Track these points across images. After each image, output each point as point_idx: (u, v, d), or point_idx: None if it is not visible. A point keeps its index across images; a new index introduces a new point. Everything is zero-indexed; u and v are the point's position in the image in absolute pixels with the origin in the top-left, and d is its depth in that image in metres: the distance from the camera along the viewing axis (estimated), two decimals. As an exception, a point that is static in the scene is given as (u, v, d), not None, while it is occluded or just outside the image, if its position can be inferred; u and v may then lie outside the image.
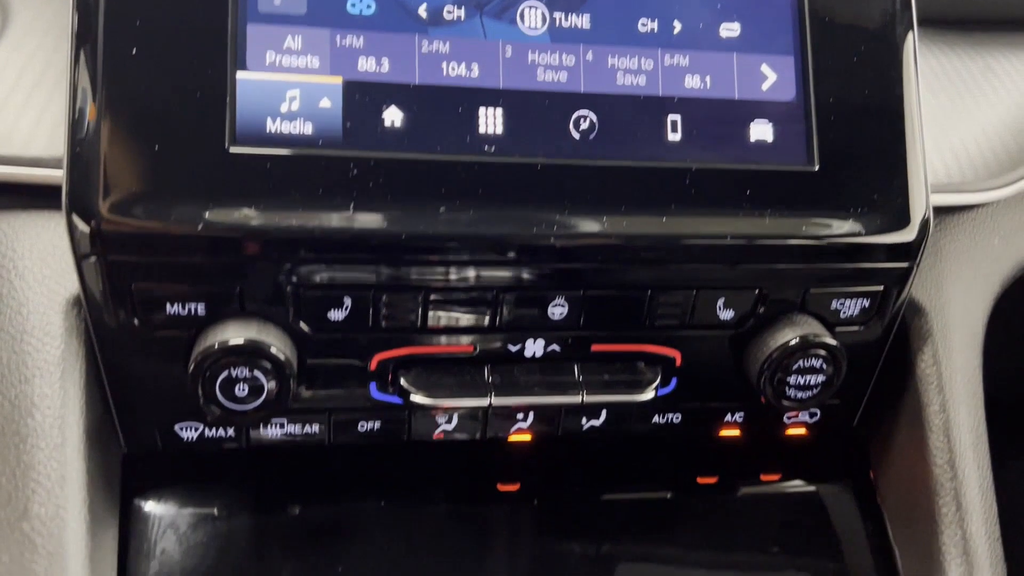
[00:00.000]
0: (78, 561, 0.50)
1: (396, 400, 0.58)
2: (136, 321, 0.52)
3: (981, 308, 0.66)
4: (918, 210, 0.57)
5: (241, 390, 0.52)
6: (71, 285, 0.54)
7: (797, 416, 0.65)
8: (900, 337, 0.64)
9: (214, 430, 0.58)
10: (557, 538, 0.62)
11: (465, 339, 0.57)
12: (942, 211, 0.66)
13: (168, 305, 0.52)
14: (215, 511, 0.59)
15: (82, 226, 0.49)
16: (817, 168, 0.56)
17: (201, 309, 0.52)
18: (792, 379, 0.58)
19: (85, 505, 0.52)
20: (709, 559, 0.63)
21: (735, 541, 0.64)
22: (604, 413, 0.62)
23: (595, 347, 0.59)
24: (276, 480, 0.61)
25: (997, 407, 0.68)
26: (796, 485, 0.67)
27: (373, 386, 0.57)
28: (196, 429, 0.57)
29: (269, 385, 0.52)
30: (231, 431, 0.58)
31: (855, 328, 0.60)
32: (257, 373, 0.52)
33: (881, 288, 0.59)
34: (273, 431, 0.58)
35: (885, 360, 0.64)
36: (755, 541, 0.64)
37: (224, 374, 0.51)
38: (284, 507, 0.61)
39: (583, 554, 0.62)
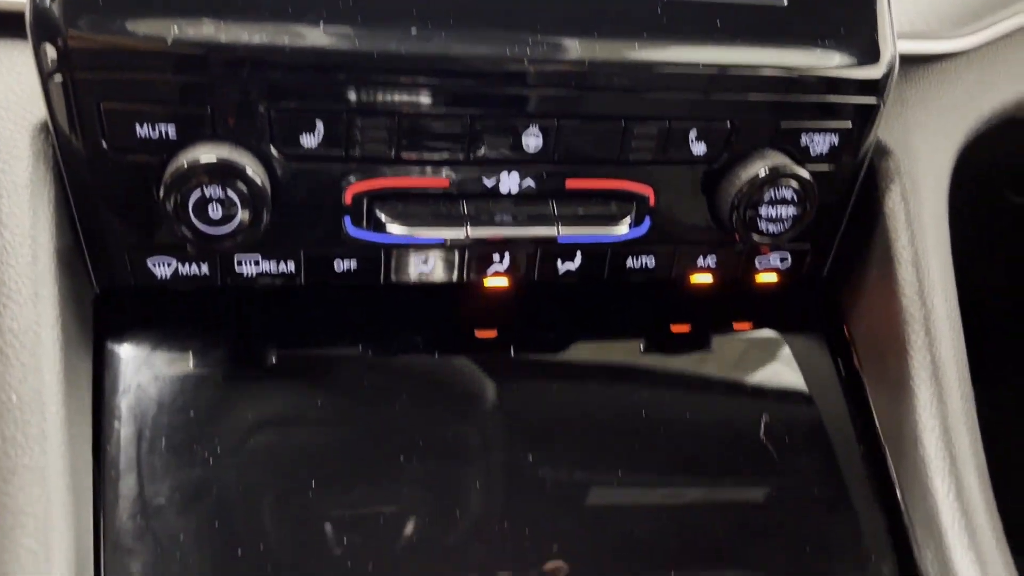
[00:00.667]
0: (53, 375, 0.50)
1: (371, 236, 0.58)
2: (105, 144, 0.51)
3: (946, 157, 0.67)
4: (885, 47, 0.59)
5: (215, 211, 0.51)
6: (38, 111, 0.53)
7: (769, 260, 0.66)
8: (869, 186, 0.65)
9: (188, 266, 0.57)
10: (533, 384, 0.63)
11: (440, 172, 0.57)
12: (907, 62, 0.67)
13: (138, 127, 0.51)
14: (190, 352, 0.58)
15: (47, 43, 0.48)
16: (786, 3, 0.57)
17: (172, 132, 0.51)
18: (763, 211, 0.59)
19: (59, 323, 0.51)
20: (682, 403, 0.64)
21: (707, 385, 0.65)
22: (579, 256, 0.62)
23: (570, 183, 0.59)
24: (251, 323, 0.61)
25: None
26: (767, 332, 0.68)
27: (348, 220, 0.57)
28: (170, 265, 0.57)
29: (243, 213, 0.52)
30: (205, 268, 0.57)
31: (825, 167, 0.61)
32: (231, 194, 0.51)
33: (849, 124, 0.60)
34: (248, 268, 0.58)
35: (854, 212, 0.65)
36: (727, 384, 0.65)
37: (197, 193, 0.51)
38: (260, 350, 0.60)
39: (558, 399, 0.63)
